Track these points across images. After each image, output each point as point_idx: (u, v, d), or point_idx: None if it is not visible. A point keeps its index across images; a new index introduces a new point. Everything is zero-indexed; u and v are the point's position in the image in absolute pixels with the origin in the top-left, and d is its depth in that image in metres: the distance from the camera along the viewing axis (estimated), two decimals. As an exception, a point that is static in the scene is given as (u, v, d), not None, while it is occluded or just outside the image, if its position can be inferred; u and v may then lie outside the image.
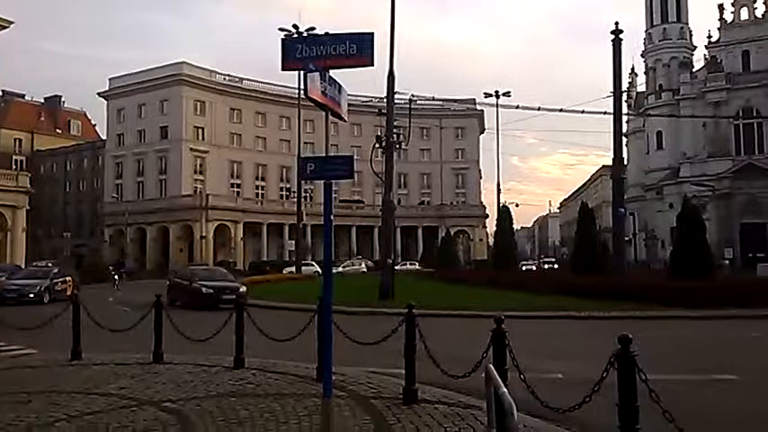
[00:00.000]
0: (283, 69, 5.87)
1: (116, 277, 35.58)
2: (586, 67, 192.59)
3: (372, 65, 5.76)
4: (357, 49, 5.63)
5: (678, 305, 16.93)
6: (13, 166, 67.16)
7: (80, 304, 9.82)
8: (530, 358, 8.02)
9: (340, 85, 5.97)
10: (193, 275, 22.66)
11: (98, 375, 8.31)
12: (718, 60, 59.94)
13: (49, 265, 32.58)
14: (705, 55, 62.58)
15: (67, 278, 26.68)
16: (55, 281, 25.45)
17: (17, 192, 42.72)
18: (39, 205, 58.32)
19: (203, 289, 20.91)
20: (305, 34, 34.20)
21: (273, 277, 39.02)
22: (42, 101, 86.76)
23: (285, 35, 33.87)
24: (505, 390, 3.06)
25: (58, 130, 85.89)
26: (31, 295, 23.24)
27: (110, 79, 73.92)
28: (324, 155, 5.96)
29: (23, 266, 38.52)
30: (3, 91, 75.59)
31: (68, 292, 24.85)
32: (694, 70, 62.78)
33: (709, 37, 60.95)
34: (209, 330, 8.85)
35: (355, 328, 8.48)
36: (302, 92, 5.68)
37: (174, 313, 9.83)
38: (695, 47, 65.18)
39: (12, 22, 44.39)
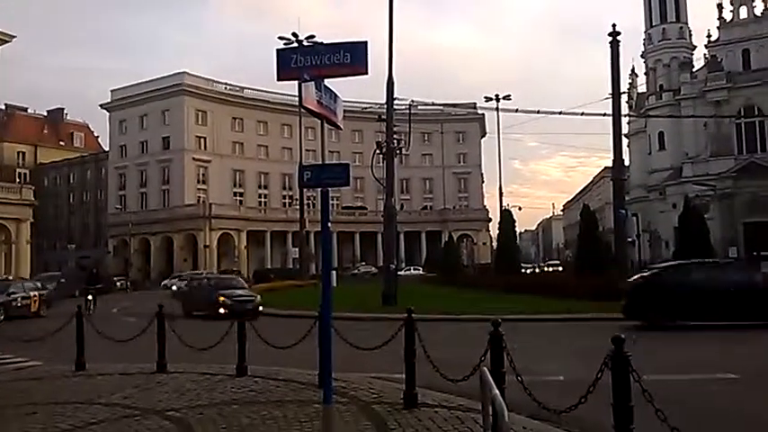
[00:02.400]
0: (279, 79, 5.94)
1: (89, 298, 24.26)
2: (586, 69, 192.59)
3: (367, 73, 5.82)
4: (351, 57, 5.70)
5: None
6: (17, 180, 67.40)
7: (84, 317, 9.91)
8: (532, 361, 8.08)
9: (335, 94, 6.04)
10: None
11: (102, 386, 8.39)
12: (719, 59, 59.86)
13: (9, 278, 29.32)
14: (705, 54, 62.51)
15: (33, 293, 23.84)
16: (15, 296, 22.69)
17: (21, 205, 42.89)
18: (43, 218, 58.57)
19: None
20: (305, 42, 34.36)
21: (278, 285, 39.07)
22: (45, 114, 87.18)
23: (285, 43, 34.05)
24: (497, 392, 3.10)
25: (61, 143, 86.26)
26: None
27: (111, 91, 74.29)
28: (321, 163, 6.03)
29: (29, 279, 38.75)
30: (5, 104, 76.04)
31: (33, 309, 23.02)
32: (695, 70, 62.69)
33: (709, 36, 60.92)
34: (212, 340, 8.92)
35: (358, 334, 8.56)
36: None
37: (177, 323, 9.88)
38: (695, 46, 65.13)
39: (13, 37, 44.69)
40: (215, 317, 18.78)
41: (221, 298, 20.13)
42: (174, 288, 38.41)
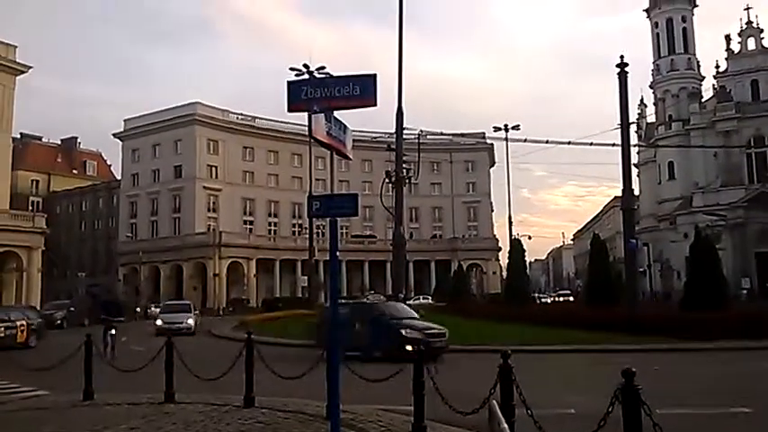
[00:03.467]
0: (289, 111, 6.04)
1: (108, 337, 17.79)
2: (595, 99, 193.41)
3: (376, 105, 5.90)
4: (360, 90, 5.79)
5: (692, 337, 16.70)
6: (30, 208, 68.06)
7: (93, 344, 9.90)
8: (542, 393, 7.98)
9: (345, 125, 6.12)
10: None
11: (109, 416, 8.33)
12: (728, 90, 60.06)
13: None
14: (714, 85, 62.78)
15: (21, 323, 21.93)
16: None
17: (33, 233, 43.26)
18: (55, 245, 58.93)
19: None
20: (316, 74, 34.78)
21: (287, 314, 38.91)
22: (59, 142, 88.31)
23: (296, 74, 34.49)
24: (506, 426, 3.07)
25: (74, 171, 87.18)
26: None
27: (125, 120, 75.32)
28: (330, 193, 6.07)
29: (39, 308, 38.76)
30: (21, 134, 77.08)
31: (20, 339, 21.39)
32: (704, 100, 62.88)
33: (717, 67, 61.25)
34: (220, 369, 8.88)
35: (367, 364, 8.49)
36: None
37: (185, 353, 9.86)
38: (703, 77, 65.45)
39: (30, 67, 45.59)
40: (390, 357, 12.59)
41: (405, 331, 15.19)
42: (160, 323, 28.49)
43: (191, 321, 29.75)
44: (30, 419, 8.35)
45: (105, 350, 16.11)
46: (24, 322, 22.31)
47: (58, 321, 35.66)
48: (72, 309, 39.47)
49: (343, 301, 21.35)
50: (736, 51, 60.12)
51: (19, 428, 7.66)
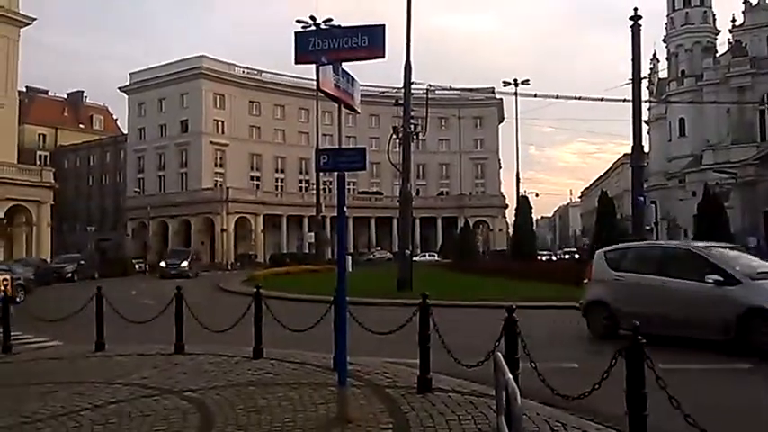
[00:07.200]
0: (296, 63, 5.94)
1: None
2: (606, 54, 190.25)
3: (384, 57, 5.79)
4: (369, 41, 5.67)
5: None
6: (37, 162, 68.27)
7: (103, 296, 10.05)
8: (546, 348, 8.08)
9: (352, 78, 6.03)
10: None
11: (121, 366, 8.53)
12: (743, 44, 58.75)
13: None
14: (729, 39, 61.38)
15: (3, 278, 20.02)
16: None
17: (41, 187, 43.49)
18: (63, 200, 59.29)
19: None
20: (323, 26, 34.24)
21: (294, 269, 39.32)
22: (65, 96, 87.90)
23: (302, 27, 33.99)
24: (510, 376, 3.11)
25: (80, 126, 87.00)
26: None
27: (130, 74, 74.68)
28: (338, 147, 6.04)
29: (49, 261, 39.31)
30: (26, 87, 76.73)
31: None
32: (718, 55, 61.61)
33: (733, 21, 59.81)
34: (229, 322, 9.02)
35: (373, 318, 8.59)
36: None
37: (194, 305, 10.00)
38: (719, 31, 63.97)
39: (34, 19, 45.11)
40: None
41: None
42: None
43: None
44: (44, 369, 8.56)
45: None
46: (8, 276, 20.76)
47: (69, 274, 36.37)
48: (82, 262, 40.12)
49: None
50: (753, 4, 58.59)
51: (33, 378, 7.85)
